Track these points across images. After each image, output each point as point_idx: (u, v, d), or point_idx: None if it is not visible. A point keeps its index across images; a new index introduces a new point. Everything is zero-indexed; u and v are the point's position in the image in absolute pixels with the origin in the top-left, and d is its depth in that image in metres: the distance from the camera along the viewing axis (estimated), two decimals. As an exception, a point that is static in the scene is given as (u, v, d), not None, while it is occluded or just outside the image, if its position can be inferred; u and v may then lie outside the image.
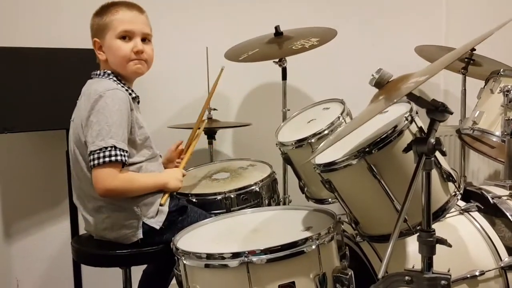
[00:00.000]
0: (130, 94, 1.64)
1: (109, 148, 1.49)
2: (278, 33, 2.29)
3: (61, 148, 2.24)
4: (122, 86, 1.64)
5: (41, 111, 2.11)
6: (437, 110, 1.20)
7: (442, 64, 1.20)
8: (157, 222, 1.63)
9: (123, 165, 1.53)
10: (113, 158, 1.49)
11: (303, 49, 2.16)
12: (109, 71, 1.67)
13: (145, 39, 1.70)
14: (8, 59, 2.08)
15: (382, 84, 1.28)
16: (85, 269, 2.30)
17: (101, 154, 1.48)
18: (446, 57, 1.25)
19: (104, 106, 1.52)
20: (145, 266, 1.94)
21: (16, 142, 2.31)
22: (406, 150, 1.24)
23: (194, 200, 1.84)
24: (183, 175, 1.78)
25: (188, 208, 1.73)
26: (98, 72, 1.68)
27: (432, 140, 1.19)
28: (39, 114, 2.12)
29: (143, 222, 1.61)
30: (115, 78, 1.66)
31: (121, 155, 1.50)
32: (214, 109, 2.36)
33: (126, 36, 1.66)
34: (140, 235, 1.61)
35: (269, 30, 2.32)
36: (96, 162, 1.49)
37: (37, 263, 2.43)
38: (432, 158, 1.21)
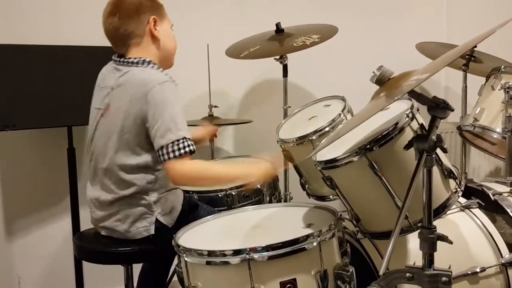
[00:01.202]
0: (173, 81, 1.61)
1: (181, 140, 1.50)
2: (279, 30, 2.29)
3: (63, 146, 2.24)
4: (165, 75, 1.62)
5: (42, 109, 2.12)
6: (438, 107, 1.20)
7: (444, 62, 1.20)
8: (169, 220, 1.63)
9: (191, 153, 1.54)
10: (187, 149, 1.51)
11: (304, 46, 2.16)
12: (148, 59, 1.61)
13: None
14: (10, 56, 2.08)
15: (383, 81, 1.28)
16: (87, 266, 2.30)
17: (176, 147, 1.50)
18: (448, 54, 1.25)
19: (165, 99, 1.52)
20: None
21: (17, 140, 2.31)
22: (407, 147, 1.24)
23: (196, 197, 1.85)
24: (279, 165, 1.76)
25: (199, 206, 1.73)
26: (134, 59, 1.60)
27: (433, 137, 1.19)
28: (40, 112, 2.12)
29: (156, 219, 1.61)
30: (157, 67, 1.63)
31: (190, 145, 1.52)
32: (215, 106, 2.36)
33: None
34: (152, 230, 1.60)
35: (270, 28, 2.32)
36: (172, 155, 1.49)
37: (38, 261, 2.43)
38: (433, 155, 1.21)
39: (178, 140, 1.50)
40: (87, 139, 1.71)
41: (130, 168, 1.58)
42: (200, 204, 1.76)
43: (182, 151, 1.50)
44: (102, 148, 1.61)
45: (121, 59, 1.63)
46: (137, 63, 1.61)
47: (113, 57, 1.66)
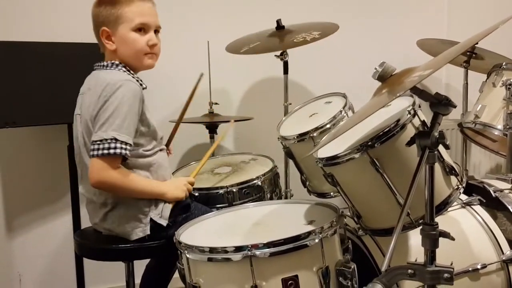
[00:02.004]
0: (141, 84, 1.63)
1: (109, 140, 1.47)
2: (279, 26, 2.28)
3: (63, 142, 2.24)
4: (133, 77, 1.63)
5: (42, 105, 2.11)
6: (440, 104, 1.20)
7: (446, 58, 1.20)
8: (163, 219, 1.63)
9: (124, 158, 1.52)
10: (111, 151, 1.47)
11: (304, 42, 2.16)
12: (117, 62, 1.63)
13: (157, 31, 1.69)
14: (10, 54, 2.08)
15: (385, 77, 1.27)
16: (87, 263, 2.30)
17: (101, 146, 1.48)
18: (450, 51, 1.25)
19: (115, 98, 1.51)
20: (147, 260, 1.94)
21: (17, 137, 2.31)
22: (410, 143, 1.24)
23: (196, 194, 1.84)
24: (191, 183, 1.73)
25: (192, 206, 1.72)
26: (105, 63, 1.64)
27: (436, 134, 1.19)
28: (40, 108, 2.11)
29: (151, 218, 1.61)
30: (124, 69, 1.63)
31: (121, 148, 1.48)
32: (216, 103, 2.36)
33: (142, 29, 1.63)
34: (147, 231, 1.60)
35: (271, 25, 2.31)
36: (95, 152, 1.48)
37: (39, 258, 2.43)
38: (435, 152, 1.21)
39: (106, 139, 1.47)
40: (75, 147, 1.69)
41: None
42: (193, 204, 1.74)
43: (106, 151, 1.47)
44: (85, 152, 1.60)
45: (99, 64, 1.66)
46: (105, 66, 1.64)
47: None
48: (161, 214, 1.64)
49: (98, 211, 1.65)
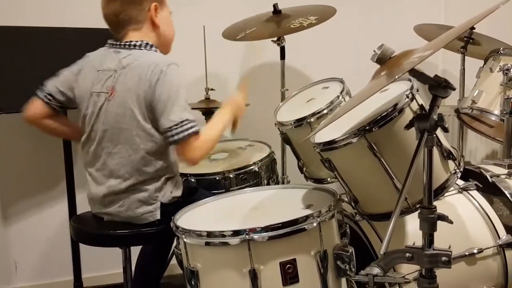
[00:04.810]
0: None
1: (185, 122, 1.50)
2: (276, 11, 2.26)
3: (58, 129, 2.22)
4: None
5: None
6: (439, 86, 1.19)
7: (447, 39, 1.19)
8: (173, 203, 1.61)
9: (196, 134, 1.53)
10: (192, 130, 1.50)
11: (301, 28, 2.14)
12: (151, 43, 1.61)
13: None
14: (3, 38, 2.05)
15: (384, 60, 1.26)
16: (84, 250, 2.30)
17: (179, 129, 1.50)
18: (450, 32, 1.24)
19: (171, 81, 1.52)
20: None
21: (12, 123, 2.29)
22: (408, 126, 1.23)
23: (193, 180, 1.84)
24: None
25: (198, 190, 1.73)
26: (138, 42, 1.60)
27: (435, 116, 1.18)
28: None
29: (161, 203, 1.60)
30: (159, 51, 1.63)
31: (196, 125, 1.52)
32: (212, 89, 2.34)
33: None
34: (157, 215, 1.59)
35: (268, 9, 2.29)
36: (180, 136, 1.50)
37: (35, 245, 2.43)
38: (434, 135, 1.20)
39: (181, 122, 1.50)
40: (83, 125, 1.65)
41: (143, 152, 1.56)
42: (198, 188, 1.76)
43: (187, 132, 1.50)
44: (111, 132, 1.57)
45: (121, 43, 1.61)
46: (140, 46, 1.60)
47: (108, 41, 1.64)
48: (172, 198, 1.62)
49: (107, 196, 1.61)
